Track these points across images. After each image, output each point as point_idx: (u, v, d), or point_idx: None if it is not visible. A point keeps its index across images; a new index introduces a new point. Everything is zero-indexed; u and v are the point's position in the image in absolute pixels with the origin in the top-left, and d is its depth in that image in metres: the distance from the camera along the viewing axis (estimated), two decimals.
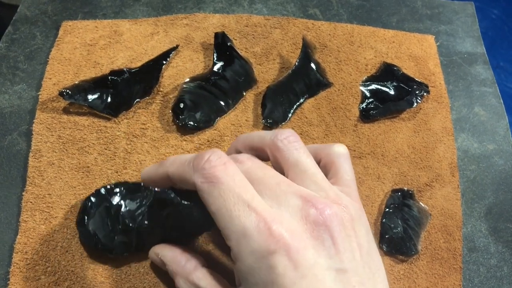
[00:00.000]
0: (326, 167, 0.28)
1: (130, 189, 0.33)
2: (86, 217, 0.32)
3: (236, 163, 0.25)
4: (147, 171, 0.30)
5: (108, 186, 0.33)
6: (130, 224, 0.31)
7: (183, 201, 0.33)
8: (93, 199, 0.32)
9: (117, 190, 0.32)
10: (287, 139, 0.27)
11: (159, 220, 0.32)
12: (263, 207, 0.23)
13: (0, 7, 0.74)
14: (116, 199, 0.32)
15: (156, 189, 0.33)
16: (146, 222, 0.32)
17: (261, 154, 0.28)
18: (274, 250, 0.21)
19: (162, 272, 0.33)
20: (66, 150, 0.36)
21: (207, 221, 0.33)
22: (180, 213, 0.32)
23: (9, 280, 0.31)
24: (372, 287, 0.23)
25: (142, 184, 0.33)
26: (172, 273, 0.29)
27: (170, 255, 0.30)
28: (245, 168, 0.25)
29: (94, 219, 0.32)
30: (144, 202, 0.32)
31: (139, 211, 0.32)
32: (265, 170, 0.25)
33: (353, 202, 0.25)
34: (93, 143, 0.36)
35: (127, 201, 0.32)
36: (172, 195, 0.33)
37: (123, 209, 0.32)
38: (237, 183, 0.23)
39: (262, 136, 0.28)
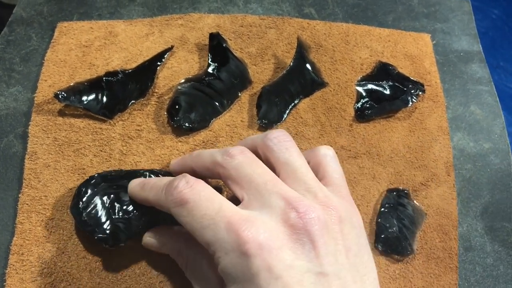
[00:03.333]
0: (314, 168, 0.28)
1: (124, 176, 0.33)
2: (80, 202, 0.32)
3: (227, 157, 0.26)
4: (133, 190, 0.31)
5: (103, 173, 0.33)
6: (125, 215, 0.32)
7: None
8: (87, 185, 0.32)
9: (111, 176, 0.33)
10: (278, 139, 0.27)
11: (155, 208, 0.32)
12: (233, 212, 0.23)
13: (0, 7, 0.74)
14: (110, 187, 0.32)
15: (151, 176, 0.33)
16: (141, 211, 0.32)
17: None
18: (245, 250, 0.21)
19: (157, 272, 0.33)
20: (62, 152, 0.36)
21: None
22: None
23: (5, 282, 0.31)
24: None
25: (135, 171, 0.33)
26: (175, 251, 0.30)
27: (169, 233, 0.30)
28: (235, 163, 0.26)
29: (89, 211, 0.32)
30: None
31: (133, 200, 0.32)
32: (254, 167, 0.25)
33: (344, 202, 0.25)
34: (89, 145, 0.36)
35: (121, 192, 0.32)
36: None
37: (117, 200, 0.32)
38: (203, 197, 0.24)
39: (254, 138, 0.28)
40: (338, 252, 0.23)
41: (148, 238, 0.31)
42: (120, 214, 0.32)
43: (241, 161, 0.26)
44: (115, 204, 0.32)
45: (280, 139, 0.27)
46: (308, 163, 0.28)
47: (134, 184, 0.31)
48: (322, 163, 0.28)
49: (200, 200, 0.24)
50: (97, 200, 0.32)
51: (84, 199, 0.32)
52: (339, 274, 0.22)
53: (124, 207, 0.32)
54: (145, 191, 0.29)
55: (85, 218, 0.32)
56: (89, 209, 0.32)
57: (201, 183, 0.25)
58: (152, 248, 0.31)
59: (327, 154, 0.28)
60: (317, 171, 0.28)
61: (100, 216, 0.32)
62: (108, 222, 0.32)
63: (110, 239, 0.32)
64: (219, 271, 0.23)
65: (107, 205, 0.32)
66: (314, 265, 0.22)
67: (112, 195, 0.32)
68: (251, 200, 0.24)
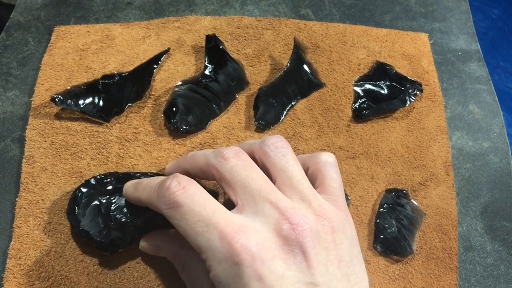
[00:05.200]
0: (313, 175, 0.28)
1: (120, 179, 0.33)
2: (76, 208, 0.32)
3: (221, 160, 0.26)
4: (127, 191, 0.31)
5: (98, 176, 0.33)
6: (123, 219, 0.31)
7: None
8: (83, 189, 0.32)
9: (107, 180, 0.33)
10: (275, 145, 0.27)
11: (151, 211, 0.31)
12: (226, 220, 0.23)
13: (0, 6, 0.74)
14: (106, 191, 0.32)
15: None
16: (138, 215, 0.32)
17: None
18: (238, 261, 0.22)
19: (155, 275, 0.33)
20: (59, 155, 0.36)
21: None
22: None
23: (2, 286, 0.31)
24: None
25: (131, 173, 0.33)
26: (171, 254, 0.30)
27: (165, 237, 0.31)
28: (229, 166, 0.25)
29: (86, 217, 0.32)
30: None
31: (130, 205, 0.32)
32: (248, 171, 0.25)
33: (338, 212, 0.25)
34: (86, 148, 0.36)
35: (116, 197, 0.32)
36: None
37: (113, 205, 0.32)
38: (196, 202, 0.24)
39: (251, 142, 0.28)
40: (330, 263, 0.23)
41: (144, 243, 0.31)
42: (117, 219, 0.31)
43: (235, 164, 0.25)
44: (112, 209, 0.32)
45: (277, 145, 0.27)
46: (307, 169, 0.28)
47: (129, 185, 0.31)
48: (322, 170, 0.28)
49: (194, 204, 0.24)
50: (94, 206, 0.32)
51: (81, 205, 0.32)
52: (329, 284, 0.22)
53: (121, 212, 0.32)
54: (138, 191, 0.29)
55: (83, 227, 0.32)
56: (86, 215, 0.32)
57: (193, 185, 0.25)
58: (149, 252, 0.32)
59: (327, 162, 0.28)
60: (315, 177, 0.28)
61: (97, 223, 0.32)
62: (106, 229, 0.31)
63: (108, 246, 0.32)
64: (210, 278, 0.24)
65: (103, 211, 0.32)
66: (305, 276, 0.22)
67: (108, 200, 0.32)
68: (244, 205, 0.24)
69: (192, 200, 0.24)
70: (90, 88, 0.37)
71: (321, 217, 0.24)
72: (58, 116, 0.37)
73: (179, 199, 0.24)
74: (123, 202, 0.32)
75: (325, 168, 0.28)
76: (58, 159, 0.36)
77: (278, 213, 0.23)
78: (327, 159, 0.28)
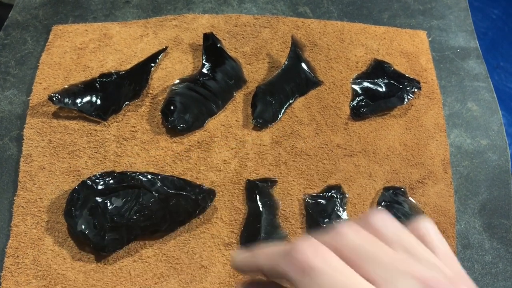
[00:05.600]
0: None
1: (116, 179, 0.33)
2: (73, 209, 0.32)
3: (335, 236, 0.23)
4: (239, 259, 0.26)
5: (94, 177, 0.33)
6: (119, 220, 0.32)
7: (169, 191, 0.33)
8: (79, 190, 0.33)
9: (103, 180, 0.33)
10: (383, 220, 0.24)
11: (147, 211, 0.32)
12: None
13: (0, 6, 0.74)
14: (102, 192, 0.32)
15: (142, 178, 0.33)
16: (134, 216, 0.32)
17: None
18: None
19: (152, 274, 0.33)
20: (57, 154, 0.36)
21: (194, 208, 0.34)
22: (168, 203, 0.33)
23: (0, 285, 0.31)
24: None
25: (127, 173, 0.33)
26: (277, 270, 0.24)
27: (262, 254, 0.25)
28: (348, 241, 0.22)
29: (83, 218, 0.32)
30: (129, 198, 0.33)
31: (126, 206, 0.32)
32: (373, 244, 0.22)
33: (463, 275, 0.24)
34: (84, 147, 0.36)
35: (113, 198, 0.32)
36: (159, 184, 0.33)
37: (109, 206, 0.32)
38: (334, 267, 0.21)
39: (356, 221, 0.25)
40: None
41: (240, 264, 0.26)
42: (114, 220, 0.32)
43: (355, 239, 0.22)
44: (108, 210, 0.32)
45: (385, 220, 0.25)
46: None
47: (241, 254, 0.26)
48: (426, 236, 0.25)
49: (331, 270, 0.21)
50: (90, 207, 0.32)
51: (77, 206, 0.32)
52: None
53: (118, 213, 0.32)
54: (256, 257, 0.25)
55: (80, 229, 0.32)
56: (83, 216, 0.32)
57: (326, 250, 0.22)
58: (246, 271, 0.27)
59: (429, 227, 0.26)
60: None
61: (94, 224, 0.32)
62: (102, 230, 0.32)
63: (105, 247, 0.32)
64: None
65: (100, 211, 0.32)
66: None
67: (104, 200, 0.32)
68: (377, 281, 0.22)
69: (329, 265, 0.21)
70: (87, 87, 0.37)
71: (457, 285, 0.22)
72: (56, 115, 0.37)
73: (314, 262, 0.21)
74: (119, 203, 0.32)
75: (429, 233, 0.26)
76: (56, 158, 0.36)
77: (421, 285, 0.20)
78: (428, 224, 0.26)
